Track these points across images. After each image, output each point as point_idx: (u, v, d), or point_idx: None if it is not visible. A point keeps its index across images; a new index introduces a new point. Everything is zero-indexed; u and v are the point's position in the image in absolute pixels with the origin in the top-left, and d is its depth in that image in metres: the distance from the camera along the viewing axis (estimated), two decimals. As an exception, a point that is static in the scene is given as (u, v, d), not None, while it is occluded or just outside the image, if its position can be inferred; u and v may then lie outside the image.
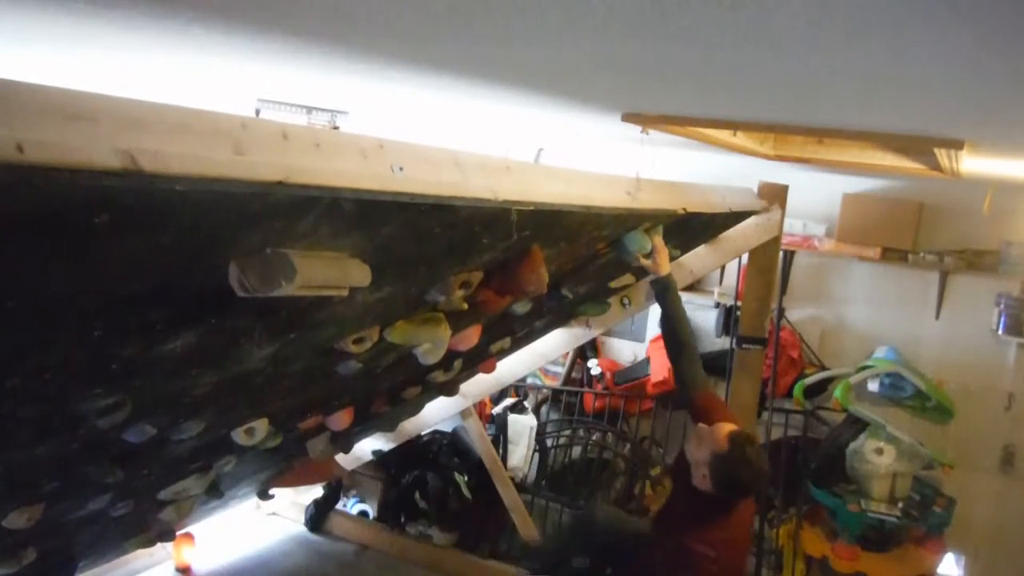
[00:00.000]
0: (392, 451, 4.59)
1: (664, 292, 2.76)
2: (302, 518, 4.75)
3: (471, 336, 2.42)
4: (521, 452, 4.58)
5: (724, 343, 4.45)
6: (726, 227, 3.50)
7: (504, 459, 4.47)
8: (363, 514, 4.88)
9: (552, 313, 3.32)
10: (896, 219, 4.34)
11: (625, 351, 5.17)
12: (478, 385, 4.07)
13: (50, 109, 0.82)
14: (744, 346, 3.76)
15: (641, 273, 3.09)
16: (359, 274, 1.35)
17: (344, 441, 3.78)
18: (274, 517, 4.81)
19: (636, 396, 4.77)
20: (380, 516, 4.81)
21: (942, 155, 2.54)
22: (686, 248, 3.41)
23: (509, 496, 4.22)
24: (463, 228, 1.57)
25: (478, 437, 4.32)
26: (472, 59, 1.92)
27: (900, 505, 3.79)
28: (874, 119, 2.21)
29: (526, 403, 4.91)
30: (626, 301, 3.72)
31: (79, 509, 2.41)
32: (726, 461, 2.39)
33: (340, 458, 4.21)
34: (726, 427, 2.47)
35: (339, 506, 4.84)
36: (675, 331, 2.79)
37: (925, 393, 3.84)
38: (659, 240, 2.62)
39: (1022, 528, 4.22)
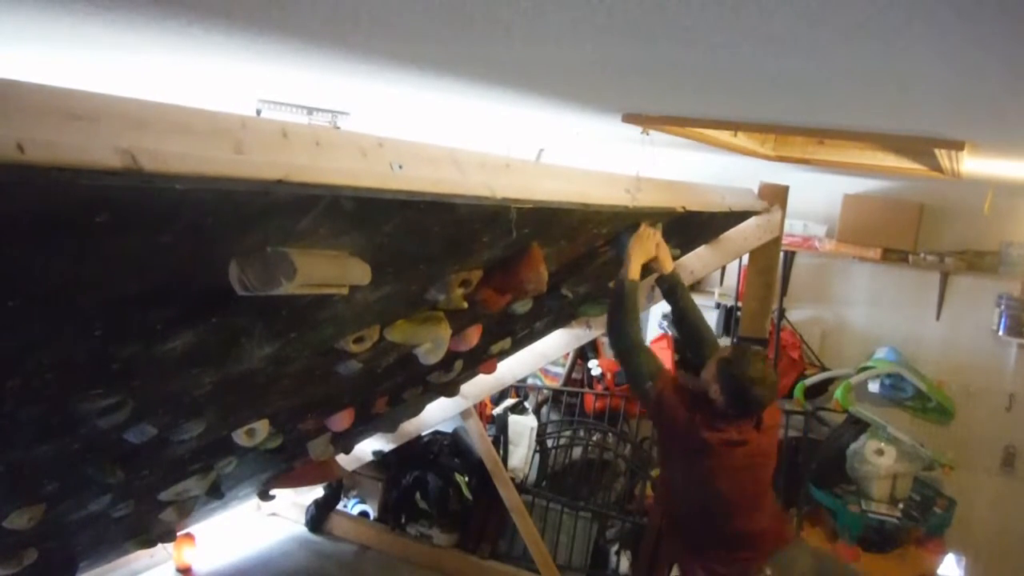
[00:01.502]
0: (392, 452, 4.60)
1: (673, 290, 2.72)
2: (303, 519, 4.75)
3: (472, 336, 2.42)
4: (522, 453, 4.58)
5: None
6: (726, 227, 3.50)
7: (504, 460, 4.47)
8: (363, 515, 4.87)
9: (552, 313, 3.32)
10: (897, 220, 4.34)
11: (626, 352, 5.16)
12: (478, 386, 4.07)
13: (51, 109, 0.82)
14: (745, 347, 3.76)
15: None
16: (359, 272, 1.35)
17: (345, 442, 3.78)
18: (275, 518, 4.81)
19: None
20: (380, 517, 4.81)
21: (942, 156, 2.54)
22: (686, 248, 3.41)
23: (510, 497, 4.22)
24: (463, 226, 1.58)
25: (478, 438, 4.31)
26: (473, 60, 1.92)
27: (901, 506, 3.79)
28: (874, 119, 2.21)
29: (526, 404, 4.91)
30: (627, 302, 3.72)
31: (80, 510, 2.41)
32: (731, 362, 2.38)
33: (341, 459, 4.21)
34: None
35: (340, 507, 4.84)
36: (691, 326, 2.73)
37: (926, 394, 3.85)
38: (659, 233, 2.60)
39: (1023, 529, 4.22)
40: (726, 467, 2.43)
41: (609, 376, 4.88)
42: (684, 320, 2.77)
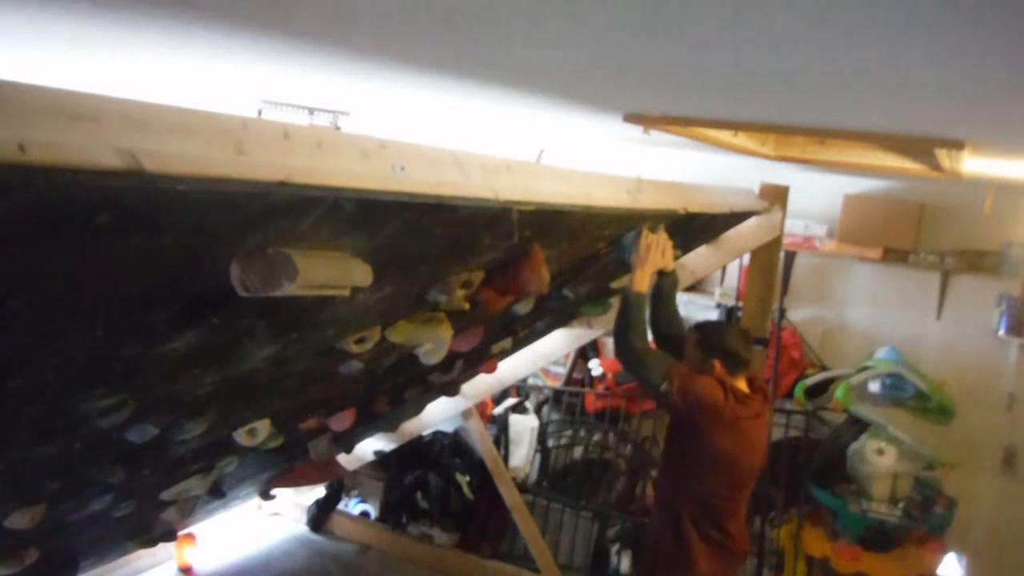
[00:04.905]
0: (394, 451, 4.60)
1: (672, 286, 2.75)
2: (304, 518, 4.75)
3: (473, 336, 2.42)
4: (522, 452, 4.58)
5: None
6: (727, 227, 3.50)
7: (506, 459, 4.47)
8: (365, 514, 4.88)
9: (553, 314, 3.32)
10: (897, 220, 4.34)
11: (626, 352, 5.16)
12: (479, 385, 4.07)
13: (52, 109, 0.82)
14: (745, 346, 3.75)
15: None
16: (360, 273, 1.35)
17: (346, 441, 3.79)
18: (276, 517, 4.82)
19: (637, 397, 4.77)
20: (382, 516, 4.82)
21: (943, 155, 2.54)
22: (687, 248, 3.41)
23: (511, 496, 4.22)
24: (464, 228, 1.58)
25: (479, 437, 4.32)
26: (474, 60, 1.93)
27: (901, 506, 3.78)
28: (875, 119, 2.22)
29: (527, 403, 4.91)
30: (627, 301, 3.72)
31: (81, 509, 2.42)
32: (700, 327, 2.70)
33: (342, 458, 4.21)
34: None
35: (341, 506, 4.84)
36: (669, 318, 2.79)
37: (926, 394, 3.84)
38: (664, 235, 2.55)
39: (1023, 529, 4.22)
40: (748, 440, 2.58)
41: (610, 376, 4.88)
42: (666, 314, 2.81)
